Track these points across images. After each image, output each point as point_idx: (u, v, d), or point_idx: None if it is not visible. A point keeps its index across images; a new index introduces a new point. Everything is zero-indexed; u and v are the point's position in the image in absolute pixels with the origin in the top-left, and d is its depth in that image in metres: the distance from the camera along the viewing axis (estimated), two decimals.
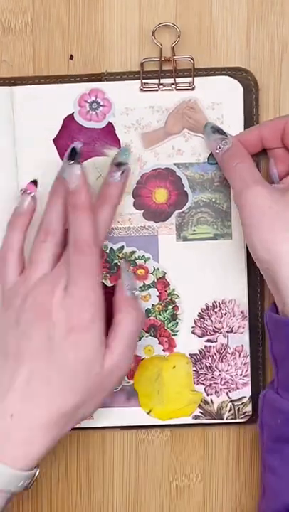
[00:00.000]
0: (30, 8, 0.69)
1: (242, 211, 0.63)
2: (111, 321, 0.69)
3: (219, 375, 0.70)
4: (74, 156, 0.63)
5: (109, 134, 0.68)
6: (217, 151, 0.66)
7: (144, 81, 0.68)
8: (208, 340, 0.70)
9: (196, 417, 0.71)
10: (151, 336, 0.70)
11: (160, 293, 0.70)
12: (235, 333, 0.70)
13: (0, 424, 0.60)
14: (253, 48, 0.69)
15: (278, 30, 0.69)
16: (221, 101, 0.68)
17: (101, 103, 0.68)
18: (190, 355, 0.70)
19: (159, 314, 0.70)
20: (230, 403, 0.70)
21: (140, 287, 0.69)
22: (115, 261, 0.69)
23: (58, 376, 0.61)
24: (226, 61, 0.69)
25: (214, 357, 0.70)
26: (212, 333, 0.70)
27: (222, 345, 0.70)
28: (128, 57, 0.69)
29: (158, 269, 0.69)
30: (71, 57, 0.69)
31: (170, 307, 0.70)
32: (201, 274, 0.69)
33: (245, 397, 0.70)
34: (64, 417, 0.61)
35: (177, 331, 0.70)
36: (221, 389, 0.70)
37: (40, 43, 0.69)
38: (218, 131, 0.66)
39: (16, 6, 0.69)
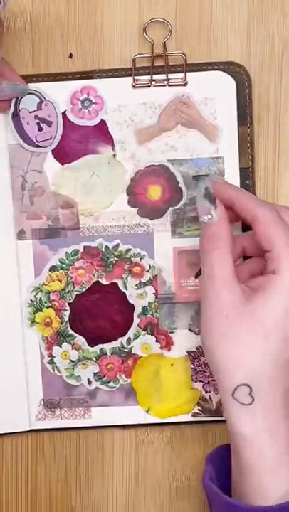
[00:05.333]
0: (30, 6, 0.68)
1: (202, 301, 0.61)
2: (108, 321, 0.68)
3: None
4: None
5: (102, 131, 0.68)
6: (201, 220, 0.62)
7: (136, 77, 0.68)
8: None
9: (194, 415, 0.70)
10: (148, 333, 0.69)
11: (156, 290, 0.69)
12: None
13: None
14: (253, 45, 0.69)
15: (279, 28, 0.69)
16: (214, 96, 0.68)
17: (93, 100, 0.68)
18: (188, 352, 0.69)
19: (156, 312, 0.69)
20: None
21: (136, 285, 0.69)
22: (111, 259, 0.69)
23: None
24: (227, 58, 0.68)
25: None
26: None
27: None
28: (128, 55, 0.68)
29: (154, 266, 0.69)
30: (70, 56, 0.68)
31: (166, 305, 0.69)
32: (197, 270, 0.69)
33: None
34: None
35: (174, 329, 0.69)
36: None
37: (40, 42, 0.69)
38: (208, 196, 0.62)
39: (15, 5, 0.68)
